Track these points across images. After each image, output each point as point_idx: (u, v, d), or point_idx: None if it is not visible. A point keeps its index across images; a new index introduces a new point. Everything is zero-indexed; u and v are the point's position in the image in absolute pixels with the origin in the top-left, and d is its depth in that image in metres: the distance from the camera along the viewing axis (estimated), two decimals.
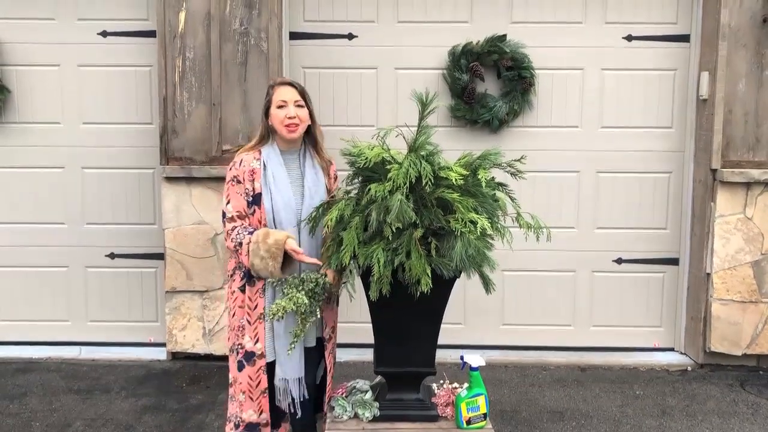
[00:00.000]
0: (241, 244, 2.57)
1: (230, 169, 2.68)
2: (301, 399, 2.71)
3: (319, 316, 2.53)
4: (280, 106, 2.65)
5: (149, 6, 4.17)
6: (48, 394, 3.79)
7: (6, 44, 4.21)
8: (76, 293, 4.42)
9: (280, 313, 2.46)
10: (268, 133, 2.72)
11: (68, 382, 3.95)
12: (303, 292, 2.48)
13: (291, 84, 2.70)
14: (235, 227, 2.62)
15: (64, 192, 4.34)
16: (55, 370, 4.12)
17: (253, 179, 2.64)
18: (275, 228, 2.62)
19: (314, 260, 2.57)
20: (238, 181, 2.65)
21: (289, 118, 2.63)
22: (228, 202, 2.65)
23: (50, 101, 4.27)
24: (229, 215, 2.64)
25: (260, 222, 2.64)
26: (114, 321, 4.43)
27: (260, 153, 2.69)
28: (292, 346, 2.53)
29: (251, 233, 2.57)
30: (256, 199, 2.64)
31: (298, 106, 2.66)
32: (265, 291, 2.65)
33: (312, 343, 2.73)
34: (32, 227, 4.36)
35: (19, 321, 4.42)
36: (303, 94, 2.69)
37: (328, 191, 2.75)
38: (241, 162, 2.68)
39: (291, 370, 2.67)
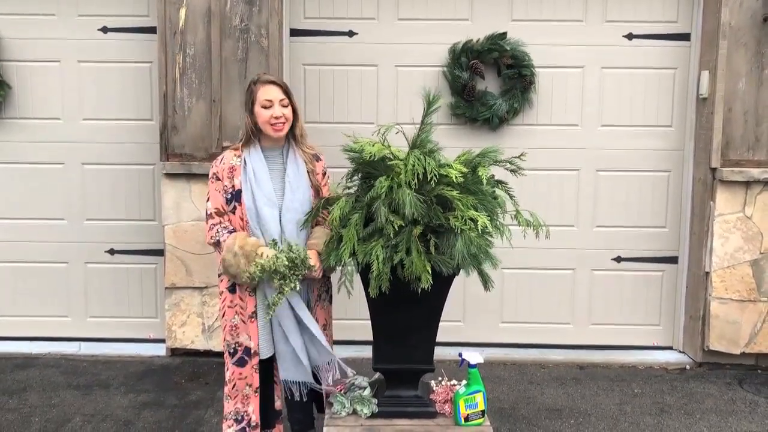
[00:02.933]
0: (219, 243, 2.61)
1: (212, 167, 2.72)
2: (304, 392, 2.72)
3: (297, 288, 2.52)
4: (265, 106, 2.64)
5: (150, 2, 4.16)
6: (47, 390, 3.79)
7: (6, 40, 4.21)
8: (75, 289, 4.42)
9: (257, 273, 2.47)
10: (254, 131, 2.71)
11: (68, 378, 3.96)
12: (284, 255, 2.49)
13: (276, 83, 2.69)
14: (214, 225, 2.65)
15: (64, 188, 4.34)
16: (54, 366, 4.12)
17: (233, 176, 2.66)
18: (258, 224, 2.64)
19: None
20: (217, 179, 2.68)
21: (276, 118, 2.64)
22: (208, 200, 2.69)
23: (50, 97, 4.27)
24: (209, 212, 2.68)
25: (242, 219, 2.65)
26: (113, 317, 4.44)
27: (241, 150, 2.70)
28: (269, 315, 2.54)
29: (231, 233, 2.61)
30: (236, 196, 2.65)
31: (283, 105, 2.66)
32: (253, 290, 2.66)
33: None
34: (32, 223, 4.37)
35: (19, 317, 4.43)
36: (287, 92, 2.69)
37: (313, 185, 2.73)
38: (222, 159, 2.71)
39: (292, 371, 2.69)
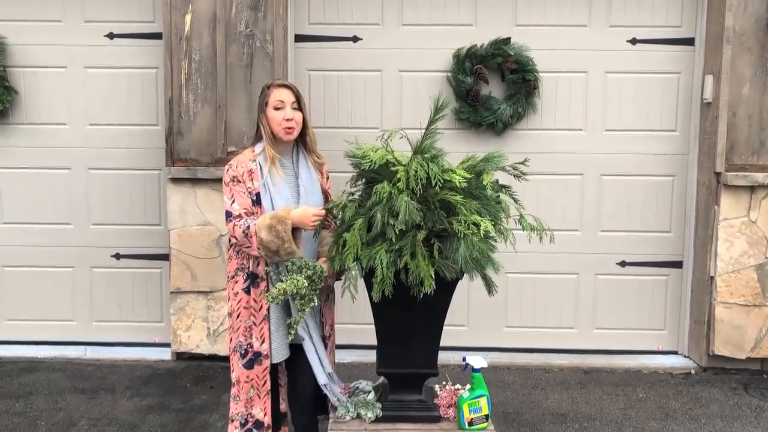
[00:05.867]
0: (249, 227, 2.59)
1: (227, 171, 2.71)
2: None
3: (316, 303, 2.54)
4: (277, 108, 2.68)
5: (155, 8, 4.19)
6: (53, 394, 3.81)
7: (13, 46, 4.24)
8: (81, 293, 4.44)
9: (280, 297, 2.48)
10: (268, 134, 2.72)
11: (73, 382, 3.97)
12: (303, 276, 2.51)
13: (288, 86, 2.74)
14: (240, 221, 2.64)
15: (70, 193, 4.37)
16: (60, 370, 4.14)
17: (252, 179, 2.67)
18: None
19: (321, 211, 2.61)
20: (239, 181, 2.68)
21: (287, 120, 2.67)
22: (233, 202, 2.67)
23: (57, 103, 4.30)
24: (236, 213, 2.65)
25: None
26: (119, 321, 4.45)
27: (255, 154, 2.72)
28: (292, 332, 2.55)
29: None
30: (257, 199, 2.67)
31: (294, 108, 2.70)
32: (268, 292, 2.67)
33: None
34: (38, 227, 4.39)
35: (25, 321, 4.45)
36: (299, 97, 2.73)
37: (323, 191, 2.80)
38: (238, 163, 2.71)
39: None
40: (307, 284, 2.50)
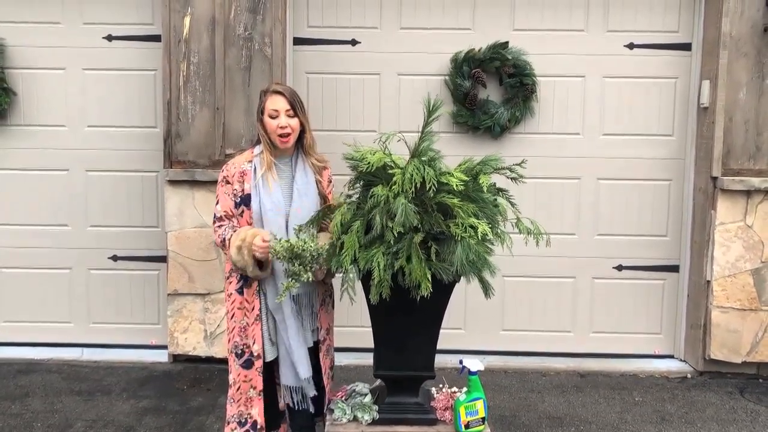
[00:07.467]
0: (224, 240, 2.67)
1: (222, 170, 2.77)
2: (312, 396, 2.77)
3: (310, 279, 2.52)
4: (272, 116, 2.69)
5: (154, 10, 4.20)
6: (50, 396, 3.80)
7: (12, 47, 4.24)
8: (78, 295, 4.44)
9: (284, 252, 2.48)
10: (266, 139, 2.74)
11: (70, 384, 3.97)
12: (311, 243, 2.52)
13: (282, 93, 2.72)
14: (222, 225, 2.71)
15: (68, 194, 4.36)
16: (56, 372, 4.14)
17: (243, 180, 2.70)
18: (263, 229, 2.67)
19: (265, 243, 2.61)
20: (227, 182, 2.73)
21: (281, 128, 2.68)
22: (218, 203, 2.74)
23: (55, 104, 4.30)
24: (218, 215, 2.73)
25: (249, 223, 2.70)
26: (116, 323, 4.45)
27: (253, 155, 2.74)
28: (283, 296, 2.55)
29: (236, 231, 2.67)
30: (245, 200, 2.70)
31: (289, 115, 2.70)
32: (259, 293, 2.71)
33: (309, 344, 2.76)
34: (36, 229, 4.39)
35: (22, 322, 4.45)
36: (293, 103, 2.71)
37: (321, 193, 2.79)
38: (233, 164, 2.76)
39: (303, 370, 2.73)
40: (312, 246, 2.50)
